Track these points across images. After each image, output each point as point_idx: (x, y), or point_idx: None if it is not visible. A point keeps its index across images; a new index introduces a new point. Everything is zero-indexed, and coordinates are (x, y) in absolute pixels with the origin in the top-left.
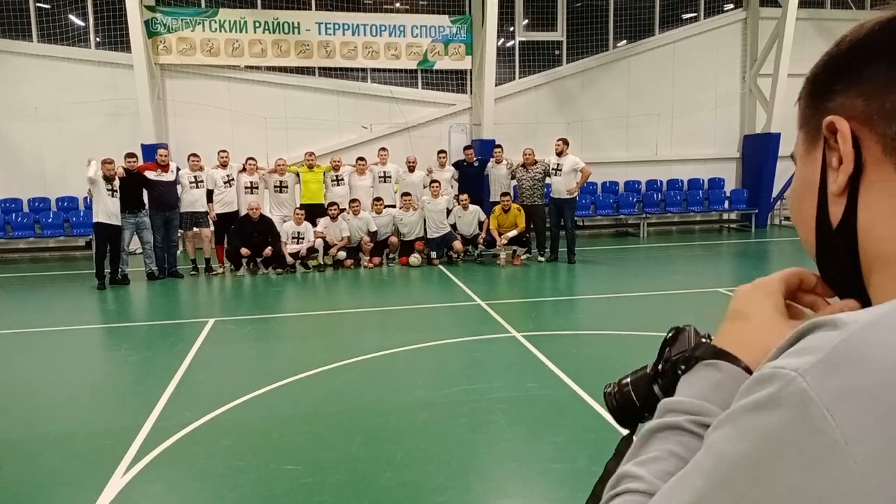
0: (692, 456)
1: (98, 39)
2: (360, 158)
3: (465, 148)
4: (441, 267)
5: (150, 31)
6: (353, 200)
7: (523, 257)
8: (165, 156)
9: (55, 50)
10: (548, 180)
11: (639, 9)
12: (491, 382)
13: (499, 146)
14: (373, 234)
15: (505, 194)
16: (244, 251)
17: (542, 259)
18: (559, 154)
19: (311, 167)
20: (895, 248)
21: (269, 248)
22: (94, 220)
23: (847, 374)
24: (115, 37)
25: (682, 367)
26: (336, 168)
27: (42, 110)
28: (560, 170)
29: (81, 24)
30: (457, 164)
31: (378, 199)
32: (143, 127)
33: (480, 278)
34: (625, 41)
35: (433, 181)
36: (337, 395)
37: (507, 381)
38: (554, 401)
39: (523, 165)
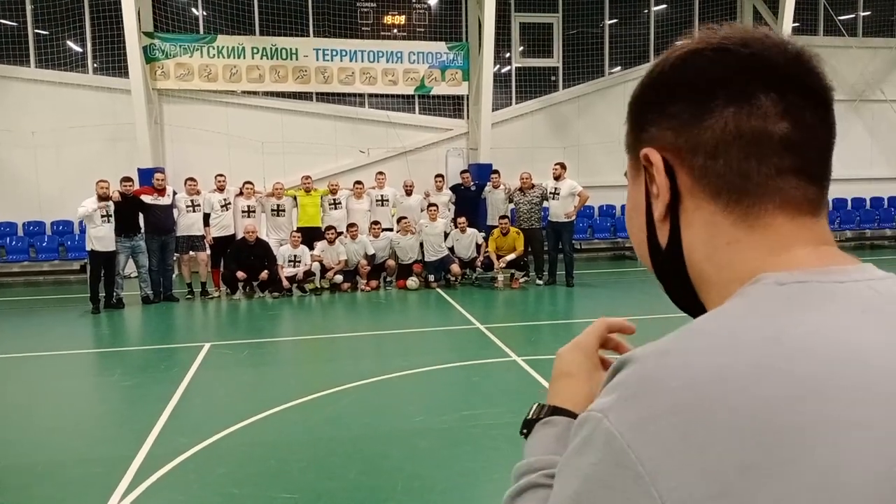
0: None
1: (96, 65)
2: (358, 182)
3: (462, 172)
4: (439, 290)
5: (149, 56)
6: (350, 225)
7: (521, 280)
8: (162, 180)
9: (53, 75)
10: (545, 204)
11: (633, 36)
12: (492, 408)
13: (496, 172)
14: (370, 258)
15: (503, 217)
16: (240, 275)
17: (541, 282)
18: (557, 178)
19: (308, 191)
20: (713, 271)
21: (266, 271)
22: (88, 247)
23: (641, 404)
24: (114, 62)
25: (525, 430)
26: (333, 192)
27: (39, 135)
28: (558, 194)
29: (79, 49)
30: (454, 188)
31: (375, 222)
32: (139, 151)
33: (479, 301)
34: (619, 67)
35: (431, 205)
36: (335, 422)
37: (508, 406)
38: None
39: (521, 189)
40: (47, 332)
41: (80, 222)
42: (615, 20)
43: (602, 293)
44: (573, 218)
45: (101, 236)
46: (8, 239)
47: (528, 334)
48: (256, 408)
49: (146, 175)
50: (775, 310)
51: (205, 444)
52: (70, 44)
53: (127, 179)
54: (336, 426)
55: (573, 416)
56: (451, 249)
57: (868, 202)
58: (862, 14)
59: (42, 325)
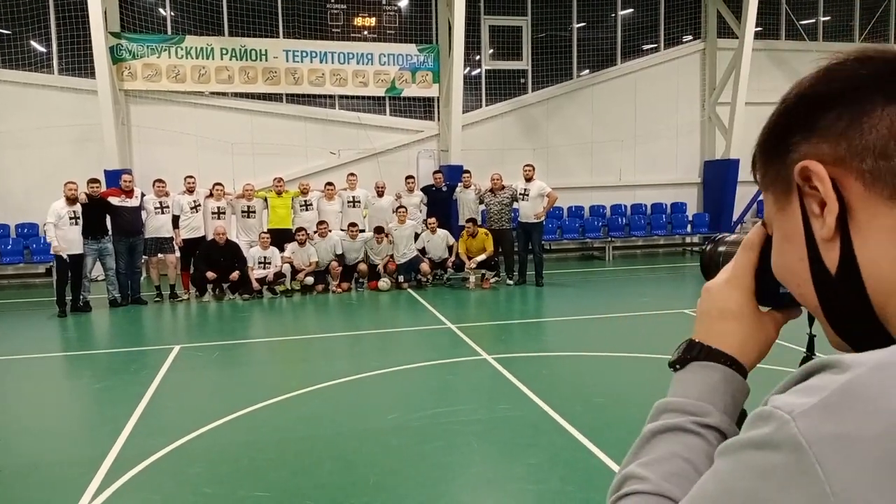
0: (695, 457)
1: (62, 65)
2: (329, 183)
3: (434, 173)
4: (410, 291)
5: (116, 57)
6: (320, 223)
7: (492, 281)
8: (130, 181)
9: (17, 76)
10: (515, 205)
11: (601, 39)
12: (463, 405)
13: (467, 172)
14: (340, 258)
15: (471, 219)
16: (210, 275)
17: (511, 282)
18: (527, 179)
19: (279, 193)
20: None
21: (236, 272)
22: (53, 251)
23: (845, 420)
24: (80, 62)
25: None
26: (304, 193)
27: (3, 136)
28: (527, 195)
29: (43, 50)
30: (426, 189)
31: (353, 224)
32: (106, 153)
33: (450, 302)
34: (588, 70)
35: (401, 206)
36: (308, 421)
37: (480, 403)
38: (526, 422)
39: (491, 190)
40: (12, 335)
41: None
42: (583, 24)
43: (571, 292)
44: (542, 219)
45: (68, 239)
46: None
47: (498, 333)
48: (228, 408)
49: (113, 176)
50: None
51: (177, 444)
52: (34, 44)
53: (94, 181)
54: (309, 425)
55: (735, 364)
56: (422, 250)
57: None
58: (822, 19)
59: (7, 328)
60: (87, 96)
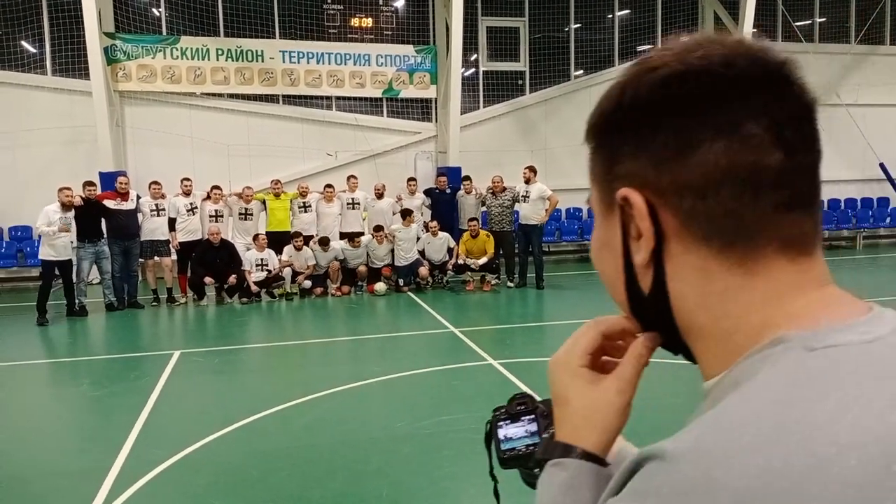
0: None
1: (55, 66)
2: (329, 186)
3: (439, 175)
4: (410, 294)
5: (110, 58)
6: (322, 241)
7: (493, 283)
8: (125, 184)
9: (8, 76)
10: (516, 207)
11: (598, 41)
12: (472, 412)
13: (467, 178)
14: (342, 261)
15: (473, 220)
16: (208, 280)
17: (512, 284)
18: (527, 182)
19: (277, 195)
20: (709, 321)
21: (233, 276)
22: (41, 256)
23: None
24: (73, 63)
25: (536, 469)
26: (303, 195)
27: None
28: (528, 197)
29: (34, 50)
30: (429, 192)
31: (358, 234)
32: (101, 155)
33: (451, 305)
34: (582, 71)
35: (405, 210)
36: (314, 429)
37: (487, 410)
38: None
39: (492, 193)
40: (5, 341)
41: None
42: (580, 24)
43: (572, 294)
44: (544, 221)
45: (58, 244)
46: None
47: (502, 337)
48: (232, 416)
49: (108, 179)
50: (818, 388)
51: (182, 454)
52: (26, 44)
53: (90, 184)
54: (315, 433)
55: (577, 454)
56: (422, 253)
57: (826, 204)
58: (818, 20)
59: (1, 333)
60: (80, 97)
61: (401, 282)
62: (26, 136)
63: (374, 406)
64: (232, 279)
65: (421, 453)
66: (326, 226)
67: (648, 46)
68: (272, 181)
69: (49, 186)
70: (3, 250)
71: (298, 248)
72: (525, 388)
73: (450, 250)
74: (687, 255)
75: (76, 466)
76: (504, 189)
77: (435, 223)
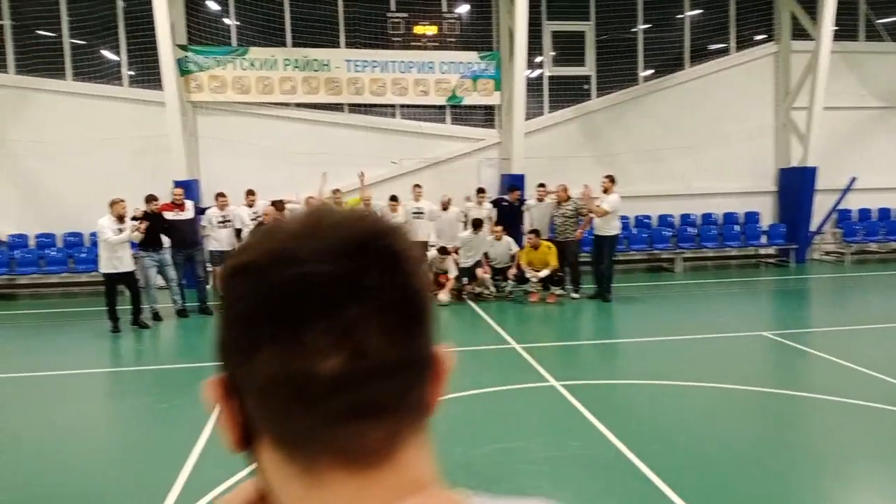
0: None
1: (130, 74)
2: (393, 198)
3: (513, 189)
4: (472, 304)
5: (183, 69)
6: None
7: (558, 294)
8: (180, 195)
9: (87, 87)
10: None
11: (668, 43)
12: (531, 440)
13: (542, 185)
14: None
15: (533, 231)
16: None
17: (577, 296)
18: (605, 191)
19: (339, 205)
20: None
21: None
22: (103, 270)
23: None
24: (147, 74)
25: None
26: (366, 204)
27: (72, 147)
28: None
29: (116, 58)
30: (497, 202)
31: (423, 244)
32: (174, 164)
33: (513, 318)
34: (652, 71)
35: (476, 220)
36: None
37: (548, 438)
38: (599, 462)
39: (557, 202)
40: (79, 347)
41: (93, 235)
42: (649, 25)
43: (640, 309)
44: (615, 233)
45: (120, 256)
46: (47, 250)
47: (565, 355)
48: None
49: (182, 186)
50: None
51: (241, 474)
52: (106, 53)
53: (153, 198)
54: None
55: None
56: (486, 255)
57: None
58: None
59: (73, 339)
60: (151, 107)
61: (464, 280)
62: (99, 144)
63: (434, 429)
64: None
65: (478, 485)
66: None
67: (722, 46)
68: (333, 190)
69: (115, 195)
70: (84, 255)
71: None
72: (587, 414)
73: (512, 256)
74: (272, 455)
75: (137, 485)
76: (569, 198)
77: (500, 227)
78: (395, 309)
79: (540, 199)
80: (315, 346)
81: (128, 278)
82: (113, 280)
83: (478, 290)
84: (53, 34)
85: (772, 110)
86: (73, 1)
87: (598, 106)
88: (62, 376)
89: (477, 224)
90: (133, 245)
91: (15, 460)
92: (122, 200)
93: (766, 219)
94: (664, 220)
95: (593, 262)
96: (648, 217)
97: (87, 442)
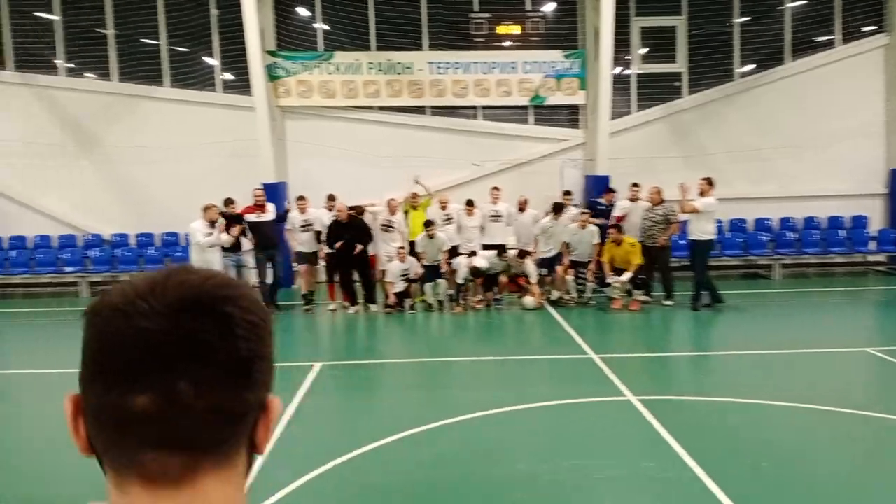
0: None
1: (224, 80)
2: (469, 202)
3: (609, 191)
4: (551, 310)
5: (272, 75)
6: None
7: (641, 298)
8: (261, 196)
9: (183, 94)
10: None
11: (767, 36)
12: (600, 458)
13: (636, 185)
14: (477, 272)
15: (615, 226)
16: (337, 245)
17: (670, 303)
18: (701, 194)
19: (415, 207)
20: None
21: (359, 245)
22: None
23: None
24: (238, 80)
25: None
26: (443, 207)
27: (170, 151)
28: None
29: (212, 63)
30: (592, 205)
31: (501, 246)
32: (263, 167)
33: (593, 326)
34: (751, 67)
35: (557, 203)
36: (435, 464)
37: (620, 456)
38: (674, 486)
39: (651, 205)
40: None
41: (188, 235)
42: (747, 18)
43: (733, 319)
44: (709, 237)
45: (209, 261)
46: (146, 249)
47: (645, 368)
48: (360, 440)
49: (271, 189)
50: None
51: (302, 480)
52: (202, 60)
53: (230, 201)
54: (436, 469)
55: None
56: (567, 246)
57: None
58: None
59: None
60: (244, 113)
61: (543, 271)
62: (194, 148)
63: (500, 441)
64: (358, 248)
65: (534, 502)
66: (468, 238)
67: (828, 38)
68: (411, 194)
69: (209, 197)
70: (179, 254)
71: (431, 236)
72: (663, 433)
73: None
74: (106, 467)
75: None
76: (662, 201)
77: (586, 215)
78: (215, 366)
79: (633, 200)
80: (134, 386)
81: None
82: None
83: (556, 294)
84: (153, 42)
85: (882, 107)
86: (171, 11)
87: (689, 104)
88: None
89: (558, 208)
90: None
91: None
92: (215, 206)
93: (875, 223)
94: (761, 223)
95: (691, 268)
96: (744, 220)
97: None
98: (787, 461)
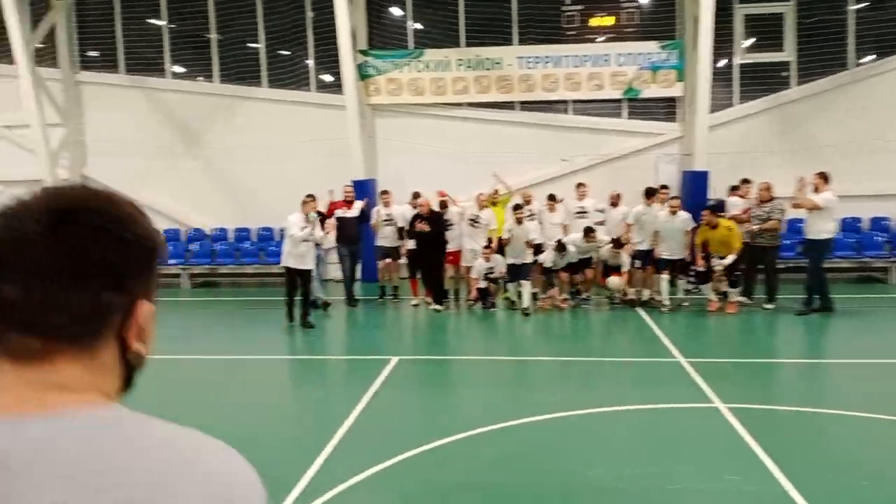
0: None
1: (320, 79)
2: (551, 197)
3: (744, 182)
4: (641, 312)
5: (363, 74)
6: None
7: (737, 299)
8: (350, 192)
9: (279, 94)
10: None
11: (886, 22)
12: (680, 466)
13: (747, 181)
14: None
15: (710, 207)
16: (421, 227)
17: (771, 306)
18: (815, 190)
19: (494, 203)
20: None
21: (427, 227)
22: (284, 263)
23: None
24: (332, 80)
25: None
26: (527, 202)
27: (267, 149)
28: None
29: (309, 63)
30: (719, 205)
31: (590, 230)
32: (354, 165)
33: (684, 328)
34: (872, 57)
35: (649, 189)
36: (504, 464)
37: (701, 466)
38: (757, 501)
39: (758, 202)
40: (255, 334)
41: (282, 230)
42: (864, 4)
43: (843, 325)
44: (828, 236)
45: (301, 253)
46: (243, 243)
47: (736, 374)
48: (429, 436)
49: (361, 187)
50: None
51: (366, 473)
52: (297, 61)
53: (310, 196)
54: (504, 470)
55: None
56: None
57: None
58: None
59: (247, 327)
60: (337, 111)
61: (637, 263)
62: (290, 146)
63: (573, 445)
64: (420, 225)
65: None
66: (550, 236)
67: None
68: (492, 190)
69: (303, 193)
70: (273, 247)
71: (519, 221)
72: (752, 443)
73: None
74: None
75: (268, 474)
76: (772, 198)
77: (677, 201)
78: (74, 268)
79: (742, 197)
80: (4, 278)
81: (305, 276)
82: (291, 274)
83: (647, 294)
84: (253, 46)
85: None
86: (269, 14)
87: (797, 95)
88: (233, 361)
89: (650, 192)
90: None
91: None
92: (313, 200)
93: None
94: (877, 223)
95: (806, 270)
96: (858, 220)
97: (229, 425)
98: (892, 482)
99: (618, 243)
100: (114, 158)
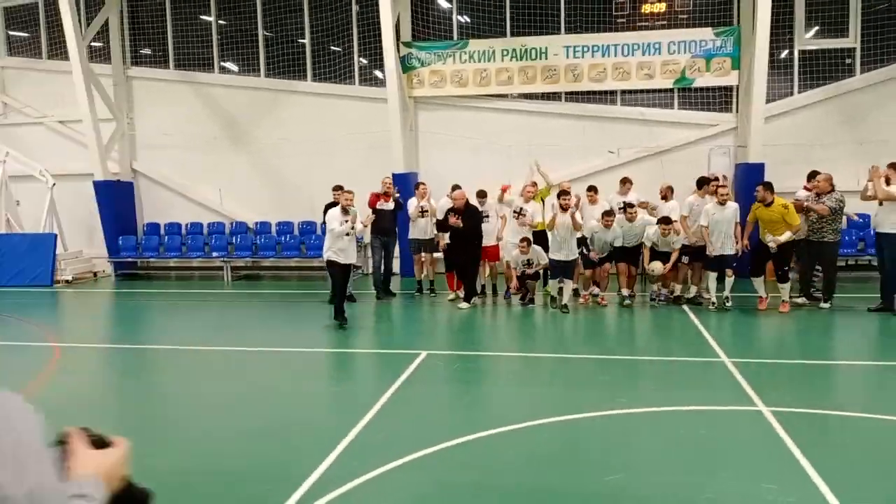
0: None
1: (362, 73)
2: (591, 188)
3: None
4: (687, 310)
5: (406, 66)
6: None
7: (789, 297)
8: (389, 184)
9: (323, 87)
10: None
11: None
12: (715, 472)
13: (814, 172)
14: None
15: (763, 184)
16: (453, 221)
17: (827, 305)
18: (887, 183)
19: (533, 197)
20: None
21: (457, 219)
22: (327, 257)
23: None
24: (376, 74)
25: None
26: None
27: (310, 143)
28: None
29: (358, 59)
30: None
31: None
32: (394, 158)
33: (730, 326)
34: None
35: (702, 178)
36: (521, 466)
37: (737, 472)
38: None
39: (817, 194)
40: (288, 326)
41: (323, 224)
42: None
43: None
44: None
45: (345, 248)
46: (285, 237)
47: (783, 376)
48: (447, 433)
49: (401, 179)
50: None
51: (378, 471)
52: (341, 55)
53: (338, 188)
54: (521, 472)
55: None
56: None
57: None
58: None
59: (284, 320)
60: (379, 104)
61: (684, 258)
62: (332, 140)
63: (598, 446)
64: (453, 220)
65: None
66: (591, 227)
67: None
68: (530, 182)
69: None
70: (314, 241)
71: (564, 208)
72: (794, 450)
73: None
74: None
75: (278, 467)
76: (832, 189)
77: (726, 191)
78: None
79: (809, 191)
80: None
81: (345, 270)
82: (336, 268)
83: (693, 291)
84: (300, 41)
85: None
86: (315, 10)
87: (861, 83)
88: (269, 353)
89: (702, 182)
90: None
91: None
92: (350, 192)
93: None
94: None
95: (880, 267)
96: None
97: (239, 419)
98: None
99: (667, 220)
100: (162, 151)
